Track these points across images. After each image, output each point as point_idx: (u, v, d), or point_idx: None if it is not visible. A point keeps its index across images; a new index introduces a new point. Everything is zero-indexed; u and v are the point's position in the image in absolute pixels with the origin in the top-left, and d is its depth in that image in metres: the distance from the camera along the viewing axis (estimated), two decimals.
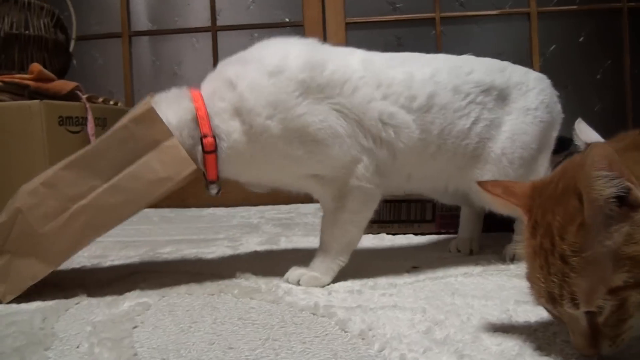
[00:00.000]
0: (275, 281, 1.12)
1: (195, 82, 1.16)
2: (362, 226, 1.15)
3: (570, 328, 0.66)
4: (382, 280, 1.10)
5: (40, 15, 2.01)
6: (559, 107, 1.31)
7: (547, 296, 0.65)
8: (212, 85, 1.13)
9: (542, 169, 1.24)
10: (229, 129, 1.08)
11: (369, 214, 1.15)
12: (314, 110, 1.07)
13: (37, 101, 1.73)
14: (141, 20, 2.72)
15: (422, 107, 1.12)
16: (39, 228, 1.04)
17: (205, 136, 1.07)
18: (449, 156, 1.17)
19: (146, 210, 2.36)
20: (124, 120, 1.08)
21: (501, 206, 0.72)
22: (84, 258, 1.44)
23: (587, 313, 0.62)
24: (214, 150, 1.08)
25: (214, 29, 2.64)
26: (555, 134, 1.30)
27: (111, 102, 2.25)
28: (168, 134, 1.06)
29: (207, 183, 1.14)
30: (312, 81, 1.07)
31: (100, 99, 2.17)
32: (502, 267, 1.19)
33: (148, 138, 1.06)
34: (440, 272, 1.16)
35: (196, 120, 1.08)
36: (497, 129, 1.19)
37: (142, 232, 1.84)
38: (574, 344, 0.66)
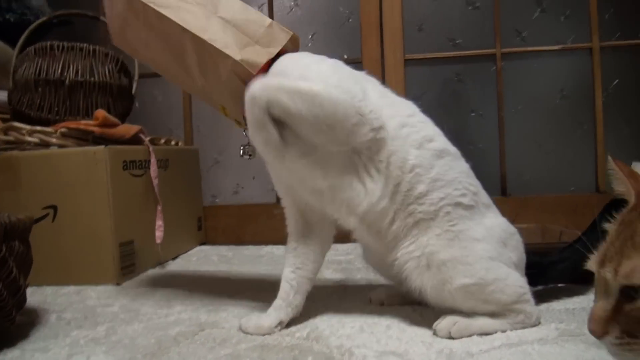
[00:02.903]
0: (347, 344, 1.09)
1: None
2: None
3: (598, 298, 0.67)
4: (457, 347, 1.07)
5: (105, 62, 2.05)
6: None
7: (600, 258, 0.68)
8: None
9: None
10: None
11: None
12: None
13: (102, 147, 1.76)
14: None
15: None
16: None
17: None
18: None
19: (204, 248, 2.39)
20: None
21: (618, 184, 0.77)
22: (149, 307, 1.45)
23: (621, 292, 0.63)
24: None
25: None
26: None
27: (172, 143, 2.28)
28: None
29: None
30: None
31: (162, 140, 2.20)
32: (577, 331, 1.13)
33: None
34: (514, 337, 1.11)
35: None
36: None
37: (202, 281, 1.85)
38: (590, 313, 0.67)
